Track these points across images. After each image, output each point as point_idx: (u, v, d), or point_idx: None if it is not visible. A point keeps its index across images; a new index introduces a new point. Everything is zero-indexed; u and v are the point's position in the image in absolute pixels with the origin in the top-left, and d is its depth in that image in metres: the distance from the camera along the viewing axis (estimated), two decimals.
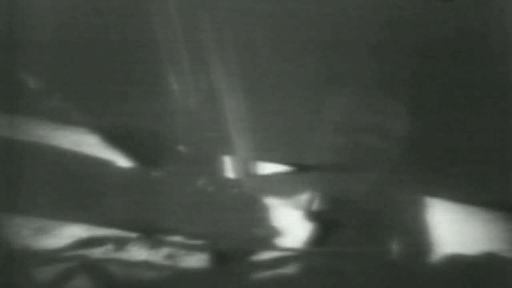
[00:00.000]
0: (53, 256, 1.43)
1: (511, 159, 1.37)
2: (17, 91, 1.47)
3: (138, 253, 1.43)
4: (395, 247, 1.40)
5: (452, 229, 1.40)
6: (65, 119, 1.49)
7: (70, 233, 1.45)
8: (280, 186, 1.48)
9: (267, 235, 1.44)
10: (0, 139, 1.46)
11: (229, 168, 1.49)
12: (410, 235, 1.41)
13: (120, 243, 1.44)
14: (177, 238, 1.44)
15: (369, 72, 1.41)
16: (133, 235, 1.45)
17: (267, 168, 1.50)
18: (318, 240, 1.42)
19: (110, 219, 1.45)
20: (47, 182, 1.44)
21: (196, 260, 1.42)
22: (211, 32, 1.41)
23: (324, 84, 1.44)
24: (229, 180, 1.49)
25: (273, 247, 1.43)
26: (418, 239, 1.40)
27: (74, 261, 1.42)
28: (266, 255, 1.42)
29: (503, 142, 1.38)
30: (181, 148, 1.49)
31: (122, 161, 1.49)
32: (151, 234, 1.45)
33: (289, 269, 1.40)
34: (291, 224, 1.44)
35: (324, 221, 1.43)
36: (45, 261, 1.43)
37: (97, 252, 1.43)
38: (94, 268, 1.41)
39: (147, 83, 1.46)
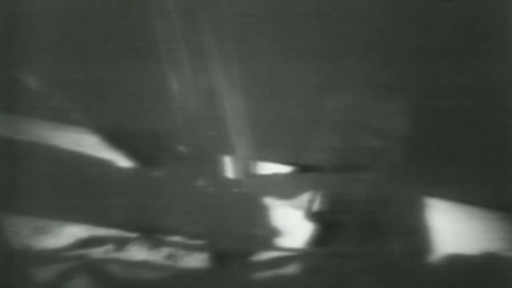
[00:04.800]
0: (53, 256, 1.43)
1: (511, 159, 1.37)
2: (17, 91, 1.47)
3: (138, 253, 1.43)
4: (395, 247, 1.40)
5: (452, 229, 1.40)
6: (65, 119, 1.49)
7: (70, 233, 1.45)
8: (280, 186, 1.48)
9: (267, 235, 1.44)
10: (0, 139, 1.46)
11: (229, 168, 1.49)
12: (410, 235, 1.41)
13: (120, 243, 1.44)
14: (177, 238, 1.44)
15: (369, 72, 1.41)
16: (133, 235, 1.45)
17: (267, 168, 1.50)
18: (318, 240, 1.42)
19: (110, 219, 1.45)
20: (47, 182, 1.44)
21: (196, 260, 1.42)
22: (211, 32, 1.41)
23: (325, 84, 1.44)
24: (229, 180, 1.49)
25: (273, 247, 1.43)
26: (418, 239, 1.40)
27: (74, 261, 1.42)
28: (266, 255, 1.42)
29: (503, 142, 1.38)
30: (181, 148, 1.49)
31: (122, 161, 1.49)
32: (151, 234, 1.45)
33: (289, 269, 1.40)
34: (291, 224, 1.44)
35: (324, 221, 1.43)
36: (45, 261, 1.43)
37: (97, 252, 1.43)
38: (94, 268, 1.41)
39: (147, 83, 1.46)
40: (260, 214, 1.46)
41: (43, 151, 1.48)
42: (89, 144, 1.49)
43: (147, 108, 1.46)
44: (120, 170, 1.48)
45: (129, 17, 1.43)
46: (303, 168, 1.49)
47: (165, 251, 1.44)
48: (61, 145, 1.49)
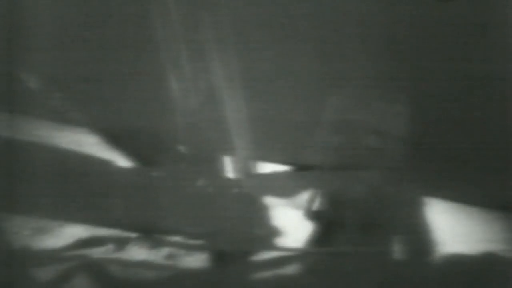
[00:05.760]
0: (53, 256, 1.43)
1: (511, 159, 1.38)
2: (17, 91, 1.47)
3: (138, 253, 1.44)
4: (395, 247, 1.40)
5: (452, 229, 1.40)
6: (65, 119, 1.49)
7: (70, 233, 1.45)
8: (280, 186, 1.48)
9: (267, 235, 1.44)
10: (0, 139, 1.46)
11: (229, 168, 1.49)
12: (410, 235, 1.41)
13: (120, 243, 1.44)
14: (177, 238, 1.44)
15: (369, 72, 1.41)
16: (133, 235, 1.45)
17: (267, 168, 1.50)
18: (318, 240, 1.42)
19: (110, 219, 1.45)
20: (47, 182, 1.44)
21: (196, 260, 1.42)
22: (211, 31, 1.41)
23: (325, 84, 1.44)
24: (229, 180, 1.49)
25: (273, 247, 1.43)
26: (418, 239, 1.40)
27: (74, 261, 1.42)
28: (266, 255, 1.42)
29: (503, 142, 1.39)
30: (181, 148, 1.50)
31: (122, 161, 1.49)
32: (151, 234, 1.45)
33: (289, 269, 1.40)
34: (291, 224, 1.44)
35: (324, 221, 1.43)
36: (45, 261, 1.43)
37: (97, 252, 1.43)
38: (94, 268, 1.41)
39: (147, 83, 1.46)
40: (260, 214, 1.46)
41: (43, 151, 1.48)
42: (89, 144, 1.49)
43: (147, 108, 1.46)
44: (120, 170, 1.48)
45: (130, 16, 1.43)
46: (303, 168, 1.49)
47: (165, 251, 1.44)
48: (61, 145, 1.49)
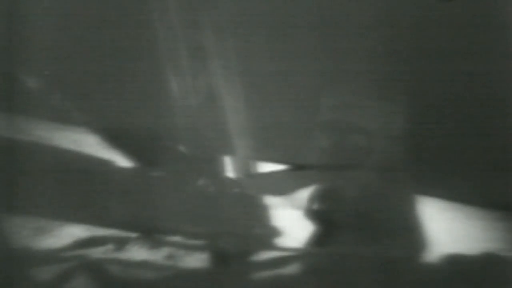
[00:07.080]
0: (53, 256, 1.43)
1: (511, 159, 1.38)
2: (17, 91, 1.47)
3: (138, 253, 1.43)
4: (394, 247, 1.40)
5: (452, 229, 1.40)
6: (65, 119, 1.49)
7: (70, 233, 1.45)
8: (281, 186, 1.48)
9: (267, 235, 1.44)
10: (0, 139, 1.46)
11: (229, 168, 1.49)
12: (409, 235, 1.41)
13: (120, 243, 1.44)
14: (177, 238, 1.44)
15: (367, 73, 1.41)
16: (133, 235, 1.45)
17: (267, 168, 1.50)
18: (318, 240, 1.42)
19: (110, 219, 1.45)
20: (47, 182, 1.44)
21: (196, 260, 1.42)
22: (211, 32, 1.41)
23: (325, 84, 1.44)
24: (229, 180, 1.49)
25: (273, 247, 1.43)
26: (417, 239, 1.40)
27: (74, 261, 1.42)
28: (266, 255, 1.42)
29: (503, 142, 1.39)
30: (181, 148, 1.49)
31: (122, 161, 1.49)
32: (151, 234, 1.45)
33: (289, 269, 1.40)
34: (291, 224, 1.44)
35: (325, 221, 1.43)
36: (45, 261, 1.43)
37: (97, 252, 1.43)
38: (94, 268, 1.41)
39: (147, 83, 1.46)
40: (260, 214, 1.46)
41: (43, 151, 1.48)
42: (89, 144, 1.49)
43: (147, 108, 1.46)
44: (120, 170, 1.48)
45: (129, 16, 1.43)
46: (303, 168, 1.49)
47: (165, 251, 1.44)
48: (61, 145, 1.49)
